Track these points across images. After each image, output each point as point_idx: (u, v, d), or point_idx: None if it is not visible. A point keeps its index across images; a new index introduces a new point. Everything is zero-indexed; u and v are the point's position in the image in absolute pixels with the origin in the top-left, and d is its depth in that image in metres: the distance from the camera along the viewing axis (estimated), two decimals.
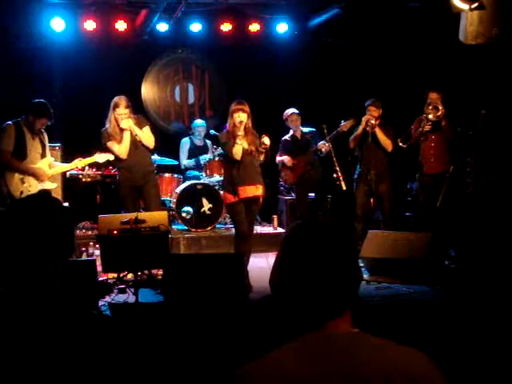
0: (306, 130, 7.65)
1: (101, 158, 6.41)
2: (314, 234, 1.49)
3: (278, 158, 7.73)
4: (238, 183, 5.86)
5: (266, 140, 5.82)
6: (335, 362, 1.37)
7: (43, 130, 6.34)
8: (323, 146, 7.27)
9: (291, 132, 7.70)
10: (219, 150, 8.25)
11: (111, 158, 6.38)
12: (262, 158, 5.97)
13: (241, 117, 5.78)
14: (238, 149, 5.80)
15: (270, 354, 1.42)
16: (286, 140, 7.75)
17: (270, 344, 1.46)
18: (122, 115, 6.19)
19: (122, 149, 6.28)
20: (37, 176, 6.15)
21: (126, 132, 6.25)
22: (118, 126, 6.23)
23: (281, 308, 1.48)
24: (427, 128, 6.77)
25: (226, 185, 6.06)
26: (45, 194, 5.80)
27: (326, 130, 7.35)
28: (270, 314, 2.38)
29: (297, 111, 7.62)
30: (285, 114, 7.66)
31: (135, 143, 6.35)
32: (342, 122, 7.16)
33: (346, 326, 1.45)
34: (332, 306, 1.44)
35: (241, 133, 5.77)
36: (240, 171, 5.89)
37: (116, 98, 6.26)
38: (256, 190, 5.94)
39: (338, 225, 1.53)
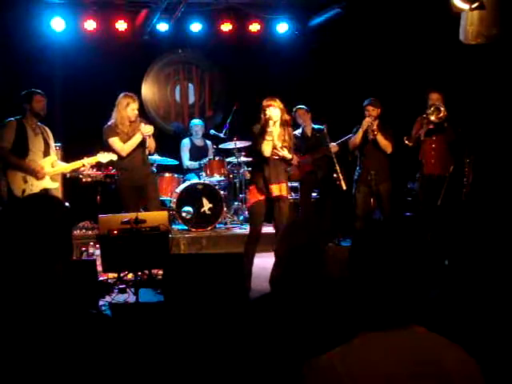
0: (316, 126, 7.54)
1: (104, 157, 6.36)
2: (394, 233, 1.56)
3: None
4: (268, 181, 5.66)
5: (289, 156, 5.71)
6: (422, 360, 1.42)
7: (47, 129, 6.30)
8: (334, 147, 7.23)
9: (301, 128, 7.63)
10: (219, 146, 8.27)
11: (114, 157, 6.35)
12: (290, 155, 5.74)
13: (271, 112, 5.61)
14: (267, 145, 5.60)
15: (355, 343, 1.45)
16: (295, 136, 7.62)
17: (272, 343, 1.46)
18: (135, 110, 6.26)
19: (126, 147, 6.27)
20: (34, 172, 6.06)
21: (139, 136, 6.26)
22: (130, 122, 6.24)
23: (360, 301, 1.51)
24: (430, 127, 6.74)
25: (255, 182, 5.76)
26: (45, 193, 5.81)
27: (326, 131, 7.35)
28: (269, 312, 2.38)
29: (304, 106, 7.53)
30: (293, 110, 7.54)
31: (138, 145, 6.35)
32: (355, 130, 7.13)
33: (423, 329, 1.51)
34: (414, 308, 1.50)
35: (270, 129, 5.60)
36: (268, 169, 5.67)
37: (127, 97, 6.28)
38: (281, 190, 5.72)
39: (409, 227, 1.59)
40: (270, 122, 5.60)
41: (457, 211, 6.46)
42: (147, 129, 6.27)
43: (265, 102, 5.70)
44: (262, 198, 5.70)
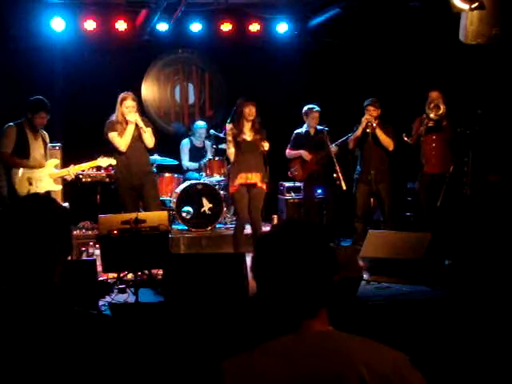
0: (319, 127, 7.46)
1: (103, 162, 6.44)
2: (285, 234, 1.49)
3: (291, 152, 7.62)
4: (238, 171, 6.40)
5: (266, 146, 6.37)
6: (306, 361, 1.38)
7: (44, 131, 6.36)
8: (333, 148, 7.22)
9: (305, 127, 7.62)
10: (221, 146, 8.26)
11: (113, 162, 6.42)
12: (266, 148, 6.40)
13: (250, 110, 6.36)
14: (231, 152, 6.45)
15: (246, 353, 1.44)
16: (299, 134, 7.64)
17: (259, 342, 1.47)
18: (129, 108, 6.30)
19: (123, 141, 6.33)
20: (35, 167, 6.14)
21: (131, 126, 6.33)
22: (125, 119, 6.29)
23: (259, 309, 1.50)
24: (430, 124, 6.75)
25: (230, 173, 6.60)
26: (44, 194, 5.83)
27: (327, 133, 7.33)
28: (257, 312, 2.38)
29: (318, 109, 7.49)
30: (306, 108, 7.52)
31: (136, 140, 6.39)
32: (355, 128, 7.13)
33: (321, 325, 1.46)
34: (305, 306, 1.45)
35: (245, 128, 6.42)
36: (241, 161, 6.42)
37: (123, 93, 6.38)
38: (254, 177, 6.41)
39: (311, 224, 1.53)
40: (244, 121, 6.41)
41: (458, 211, 6.46)
42: (132, 116, 6.29)
43: (242, 102, 6.44)
44: (234, 188, 6.43)
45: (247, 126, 6.46)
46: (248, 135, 6.46)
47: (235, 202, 6.61)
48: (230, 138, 6.50)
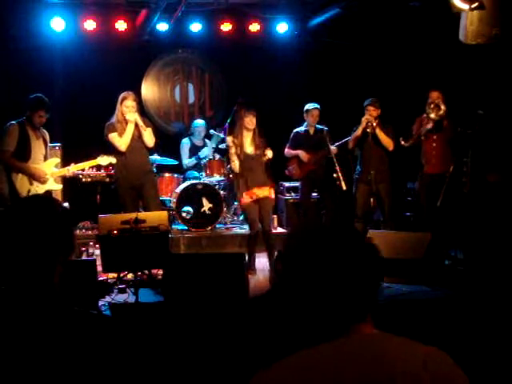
0: (319, 126, 7.41)
1: (103, 160, 6.43)
2: (331, 237, 1.45)
3: (290, 151, 7.58)
4: (246, 187, 6.38)
5: (270, 153, 6.37)
6: (359, 365, 1.35)
7: (45, 131, 6.36)
8: (334, 149, 7.21)
9: (305, 126, 7.61)
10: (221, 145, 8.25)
11: (113, 160, 6.41)
12: (270, 156, 6.41)
13: (250, 119, 6.33)
14: (235, 165, 6.42)
15: (291, 358, 1.38)
16: (298, 133, 7.60)
17: (265, 344, 1.44)
18: (129, 107, 6.30)
19: (122, 140, 6.34)
20: (35, 177, 6.13)
21: (131, 125, 6.35)
22: (125, 119, 6.30)
23: (294, 312, 1.44)
24: (429, 126, 6.75)
25: (238, 187, 6.56)
26: (45, 195, 5.83)
27: (327, 133, 7.33)
28: (264, 312, 2.38)
29: (319, 107, 7.45)
30: (306, 106, 7.48)
31: (136, 140, 6.39)
32: (355, 128, 7.12)
33: (370, 329, 1.45)
34: (356, 310, 1.43)
35: (246, 140, 6.40)
36: (247, 175, 6.38)
37: (124, 93, 6.38)
38: (264, 192, 6.41)
39: (353, 227, 1.51)
40: (245, 131, 6.37)
41: (458, 211, 6.46)
42: (131, 115, 6.31)
43: (242, 111, 6.44)
44: (244, 201, 6.43)
45: (248, 138, 6.43)
46: (250, 149, 6.43)
47: (247, 213, 6.57)
48: (232, 150, 6.46)
